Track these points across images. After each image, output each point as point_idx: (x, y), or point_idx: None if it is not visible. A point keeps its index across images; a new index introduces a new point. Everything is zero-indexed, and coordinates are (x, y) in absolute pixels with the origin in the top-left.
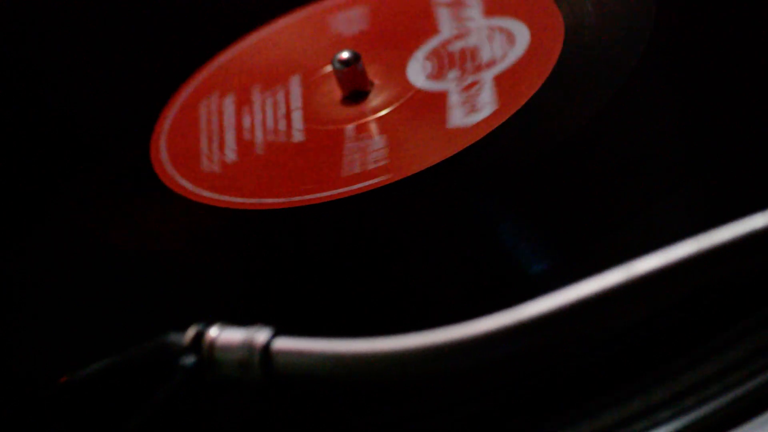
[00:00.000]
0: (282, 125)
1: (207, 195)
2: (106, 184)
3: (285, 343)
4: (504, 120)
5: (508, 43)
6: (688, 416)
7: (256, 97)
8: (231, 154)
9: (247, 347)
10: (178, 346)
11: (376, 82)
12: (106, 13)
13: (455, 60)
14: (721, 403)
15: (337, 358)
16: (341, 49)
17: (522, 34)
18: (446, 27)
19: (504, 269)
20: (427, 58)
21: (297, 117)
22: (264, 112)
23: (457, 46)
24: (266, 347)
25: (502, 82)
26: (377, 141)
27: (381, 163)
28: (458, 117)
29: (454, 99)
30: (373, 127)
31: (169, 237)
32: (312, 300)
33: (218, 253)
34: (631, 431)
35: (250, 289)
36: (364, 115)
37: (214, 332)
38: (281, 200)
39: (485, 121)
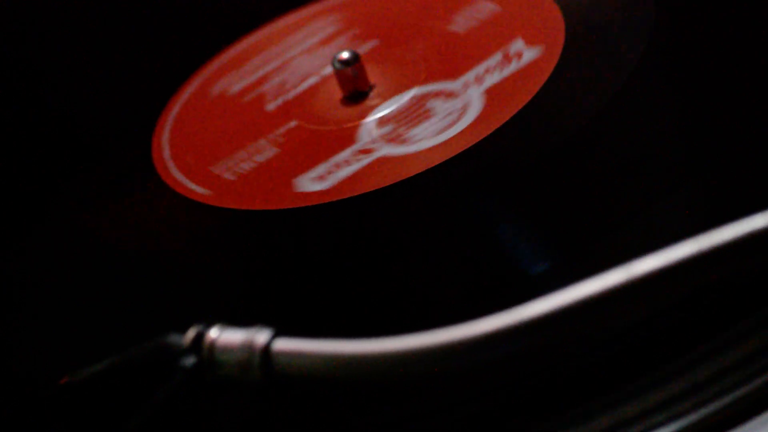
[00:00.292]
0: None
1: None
2: (106, 184)
3: (285, 344)
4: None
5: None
6: (688, 416)
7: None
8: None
9: (248, 348)
10: (178, 347)
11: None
12: (106, 13)
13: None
14: (721, 403)
15: (337, 359)
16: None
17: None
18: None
19: (504, 269)
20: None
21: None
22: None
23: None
24: (266, 348)
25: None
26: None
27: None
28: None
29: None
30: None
31: (169, 237)
32: (312, 300)
33: (219, 254)
34: (632, 431)
35: (251, 290)
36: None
37: (214, 333)
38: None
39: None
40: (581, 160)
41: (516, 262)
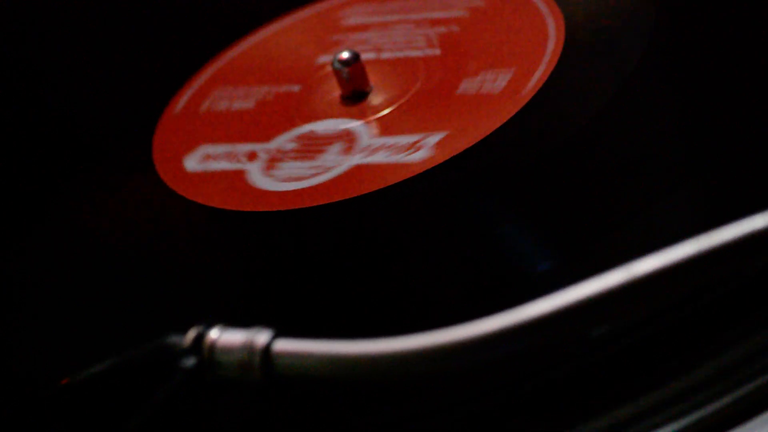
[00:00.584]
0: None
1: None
2: (106, 184)
3: (285, 345)
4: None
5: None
6: (688, 416)
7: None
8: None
9: (248, 349)
10: (179, 348)
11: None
12: (107, 13)
13: None
14: (721, 403)
15: (337, 360)
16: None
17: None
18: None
19: (504, 269)
20: None
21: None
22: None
23: None
24: (267, 349)
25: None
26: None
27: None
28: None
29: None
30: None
31: (169, 238)
32: (312, 301)
33: (219, 254)
34: (632, 431)
35: (251, 291)
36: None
37: (214, 334)
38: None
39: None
40: (581, 160)
41: (516, 262)
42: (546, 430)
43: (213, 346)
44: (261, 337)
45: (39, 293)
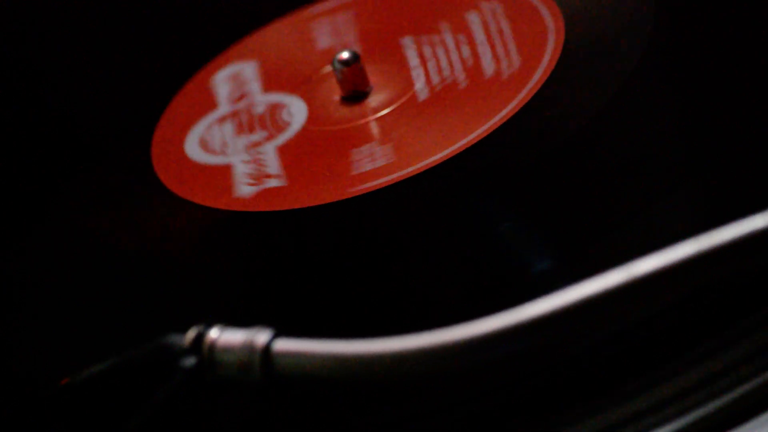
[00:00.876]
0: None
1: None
2: (106, 184)
3: (285, 345)
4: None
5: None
6: (687, 416)
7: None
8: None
9: (248, 348)
10: (179, 348)
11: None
12: (107, 13)
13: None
14: (721, 403)
15: (337, 359)
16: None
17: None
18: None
19: (504, 269)
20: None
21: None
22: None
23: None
24: (267, 348)
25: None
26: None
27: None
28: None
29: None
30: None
31: (169, 238)
32: (312, 301)
33: (219, 254)
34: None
35: (251, 291)
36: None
37: (214, 333)
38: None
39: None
40: (581, 160)
41: (516, 262)
42: (546, 430)
43: (213, 345)
44: (261, 336)
45: (39, 293)
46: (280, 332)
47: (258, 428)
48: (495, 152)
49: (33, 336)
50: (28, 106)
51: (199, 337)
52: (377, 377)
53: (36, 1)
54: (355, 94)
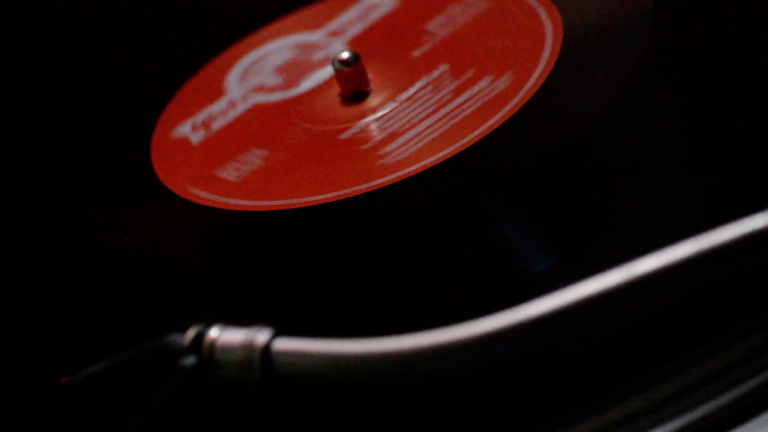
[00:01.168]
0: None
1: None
2: (106, 184)
3: (285, 344)
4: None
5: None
6: (687, 416)
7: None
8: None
9: (248, 348)
10: (179, 347)
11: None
12: (106, 13)
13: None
14: (721, 403)
15: (337, 359)
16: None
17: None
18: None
19: (504, 269)
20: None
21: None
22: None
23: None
24: (266, 348)
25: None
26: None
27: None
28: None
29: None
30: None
31: (169, 237)
32: (312, 300)
33: (218, 254)
34: (631, 431)
35: (251, 290)
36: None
37: (214, 333)
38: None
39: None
40: (581, 160)
41: (516, 262)
42: (546, 430)
43: (213, 345)
44: (261, 336)
45: (39, 293)
46: (280, 332)
47: (258, 428)
48: (495, 152)
49: (33, 336)
50: (28, 106)
51: (199, 337)
52: (377, 377)
53: (36, 1)
54: (355, 94)
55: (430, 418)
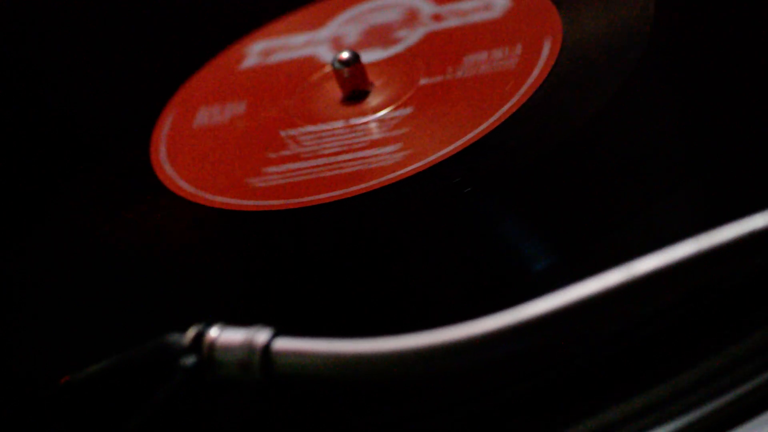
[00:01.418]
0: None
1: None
2: (106, 184)
3: (285, 344)
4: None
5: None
6: (687, 416)
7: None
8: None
9: (248, 348)
10: (179, 347)
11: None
12: (106, 13)
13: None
14: (721, 403)
15: (337, 359)
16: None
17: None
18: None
19: (504, 269)
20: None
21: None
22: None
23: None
24: (266, 348)
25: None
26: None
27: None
28: None
29: None
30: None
31: (169, 237)
32: (312, 300)
33: (218, 254)
34: (631, 431)
35: (251, 290)
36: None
37: (214, 332)
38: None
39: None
40: (581, 160)
41: (516, 262)
42: (546, 430)
43: (213, 344)
44: (261, 335)
45: (39, 293)
46: (280, 332)
47: (258, 428)
48: (494, 152)
49: (33, 336)
50: (28, 106)
51: (199, 337)
52: (377, 377)
53: (36, 1)
54: (355, 94)
55: (430, 418)
